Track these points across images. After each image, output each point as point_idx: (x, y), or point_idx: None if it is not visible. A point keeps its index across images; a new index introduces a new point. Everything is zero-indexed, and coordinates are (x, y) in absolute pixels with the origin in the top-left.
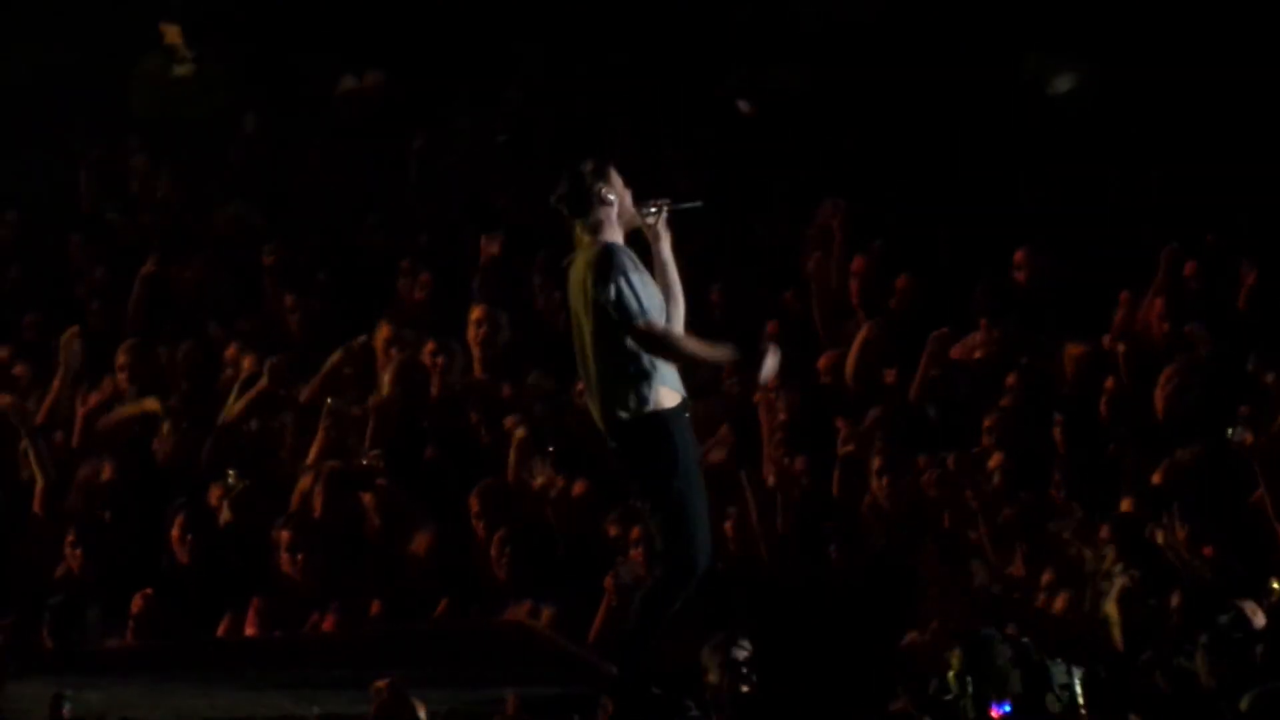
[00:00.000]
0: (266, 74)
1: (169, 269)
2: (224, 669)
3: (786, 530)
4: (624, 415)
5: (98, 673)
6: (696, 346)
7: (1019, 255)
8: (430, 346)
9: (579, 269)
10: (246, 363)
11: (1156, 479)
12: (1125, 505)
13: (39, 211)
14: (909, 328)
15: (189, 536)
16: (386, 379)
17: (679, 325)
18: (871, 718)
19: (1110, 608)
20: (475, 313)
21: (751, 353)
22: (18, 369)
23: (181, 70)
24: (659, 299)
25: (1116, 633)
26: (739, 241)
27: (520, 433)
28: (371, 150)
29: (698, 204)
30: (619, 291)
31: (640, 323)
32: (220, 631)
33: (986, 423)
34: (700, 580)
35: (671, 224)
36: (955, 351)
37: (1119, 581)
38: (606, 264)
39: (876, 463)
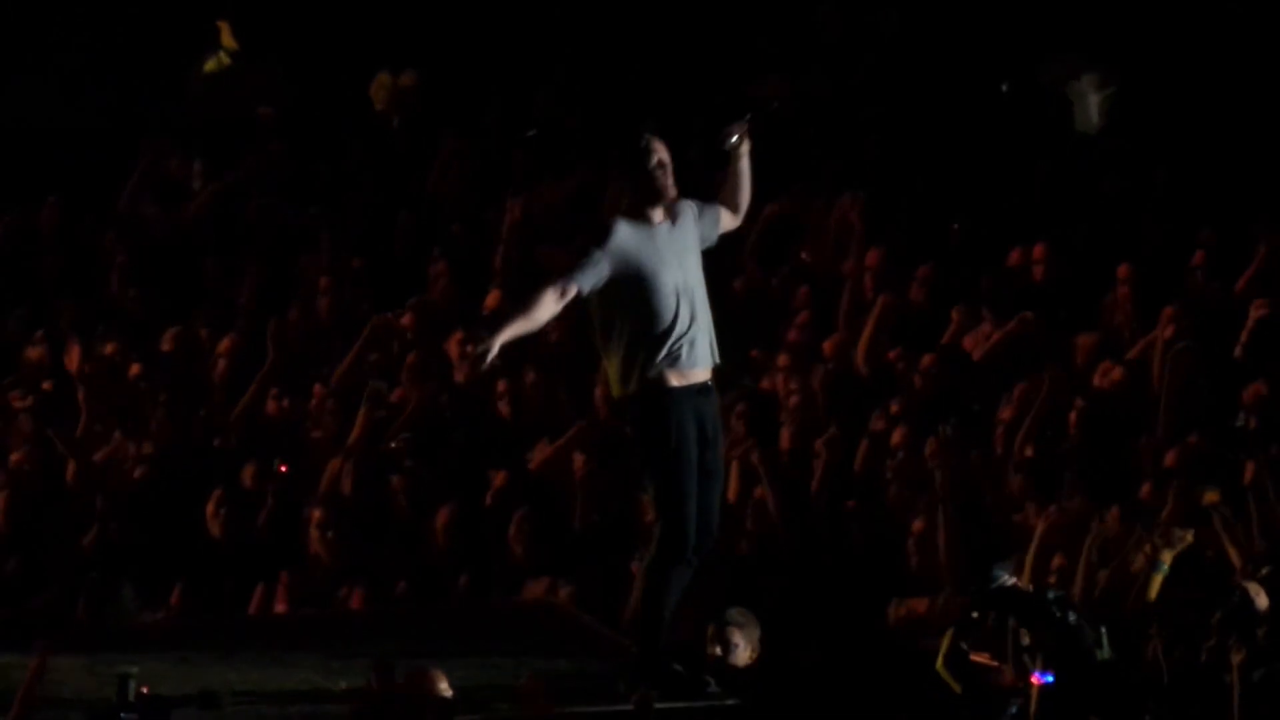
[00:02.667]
0: (305, 71)
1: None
2: (253, 643)
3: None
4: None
5: (131, 648)
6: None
7: (1036, 250)
8: (458, 335)
9: None
10: None
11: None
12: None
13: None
14: (927, 317)
15: (223, 512)
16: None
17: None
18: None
19: (1166, 556)
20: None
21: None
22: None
23: (230, 66)
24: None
25: (1156, 587)
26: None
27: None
28: (405, 146)
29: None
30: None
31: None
32: (251, 607)
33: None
34: (693, 557)
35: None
36: (967, 343)
37: (1186, 537)
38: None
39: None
